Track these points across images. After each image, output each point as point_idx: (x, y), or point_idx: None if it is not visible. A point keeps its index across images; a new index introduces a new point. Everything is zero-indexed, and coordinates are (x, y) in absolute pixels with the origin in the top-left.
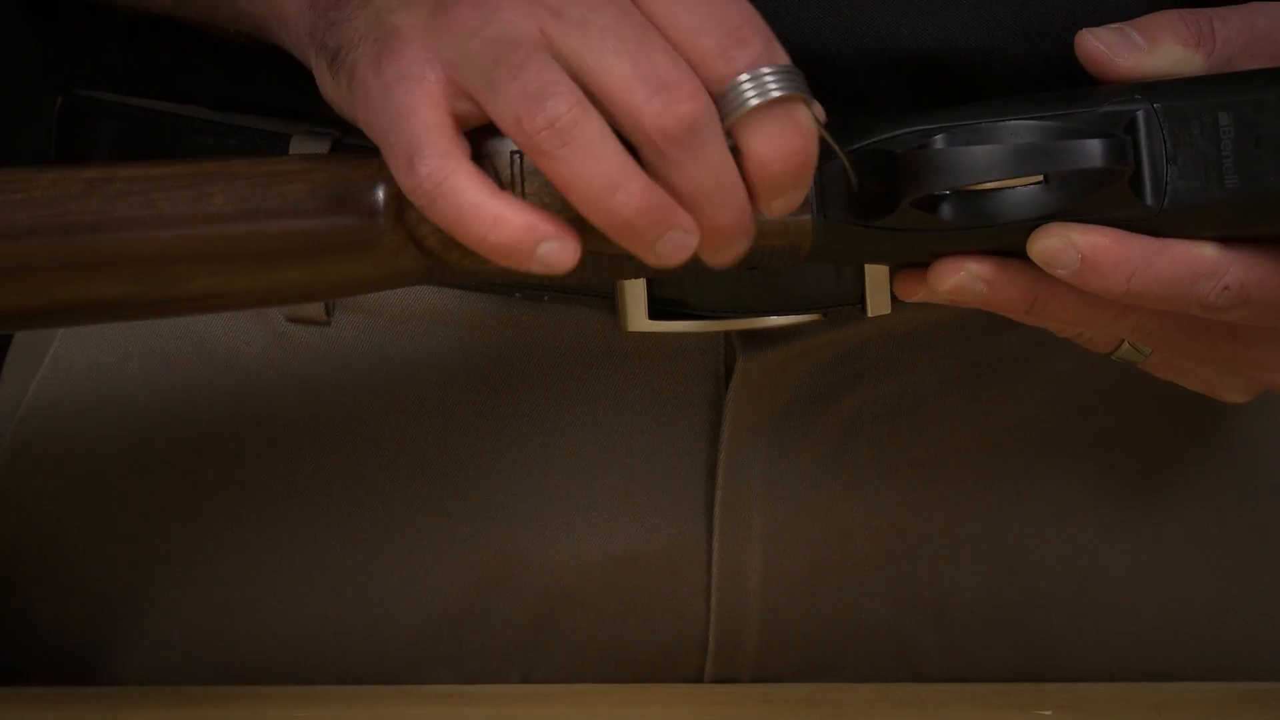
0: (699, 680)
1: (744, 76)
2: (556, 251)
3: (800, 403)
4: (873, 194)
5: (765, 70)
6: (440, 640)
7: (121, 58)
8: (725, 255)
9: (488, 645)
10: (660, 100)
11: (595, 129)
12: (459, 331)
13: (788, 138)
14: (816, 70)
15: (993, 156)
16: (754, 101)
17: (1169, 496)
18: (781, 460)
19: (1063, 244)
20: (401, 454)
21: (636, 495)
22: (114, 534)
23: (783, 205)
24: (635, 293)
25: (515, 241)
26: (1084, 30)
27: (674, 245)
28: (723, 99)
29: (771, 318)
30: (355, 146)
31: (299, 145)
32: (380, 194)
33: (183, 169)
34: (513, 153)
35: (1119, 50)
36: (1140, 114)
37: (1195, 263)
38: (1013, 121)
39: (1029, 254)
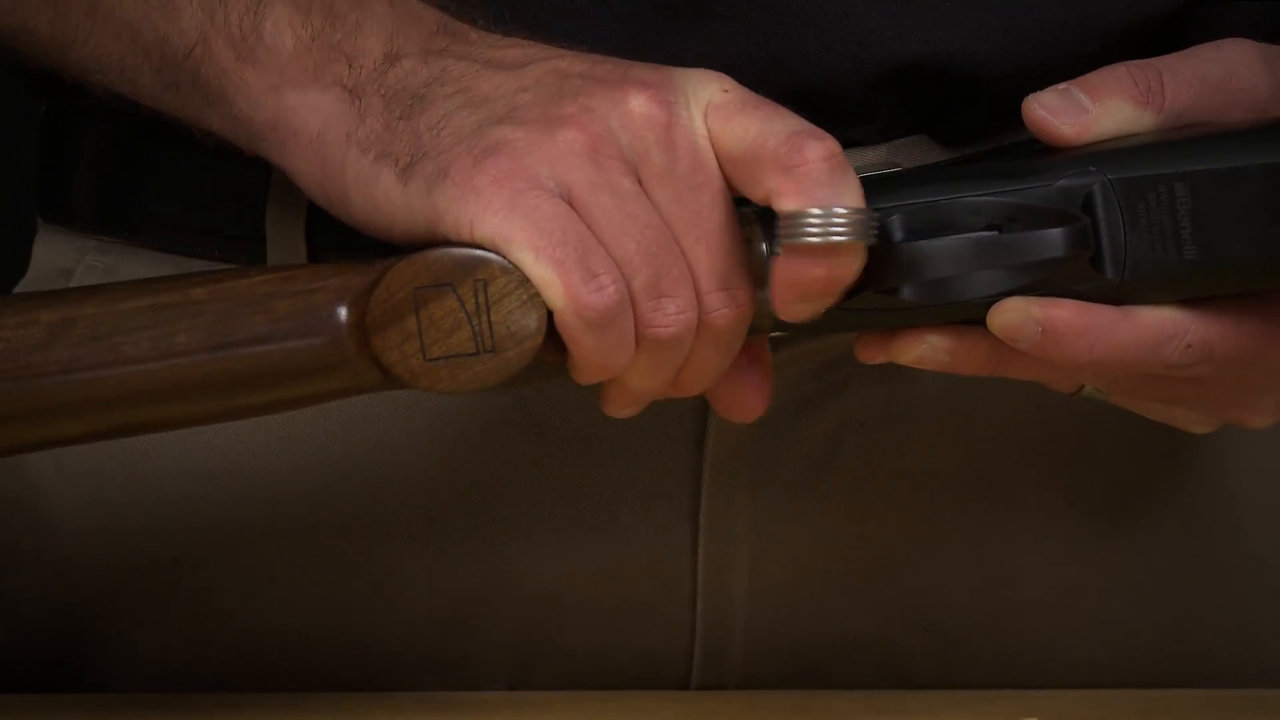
0: (685, 688)
1: (816, 211)
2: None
3: (785, 411)
4: None
5: (838, 211)
6: (428, 648)
7: None
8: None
9: (475, 653)
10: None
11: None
12: None
13: (824, 276)
14: (802, 81)
15: (954, 251)
16: (814, 240)
17: (1153, 505)
18: (766, 469)
19: (1022, 319)
20: (387, 466)
21: (622, 504)
22: (101, 540)
23: (798, 314)
24: None
25: (630, 402)
26: (1029, 97)
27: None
28: (786, 220)
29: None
30: None
31: None
32: (343, 317)
33: (143, 302)
34: (475, 280)
35: (1064, 116)
36: (1097, 188)
37: (1157, 328)
38: (970, 199)
39: (989, 328)
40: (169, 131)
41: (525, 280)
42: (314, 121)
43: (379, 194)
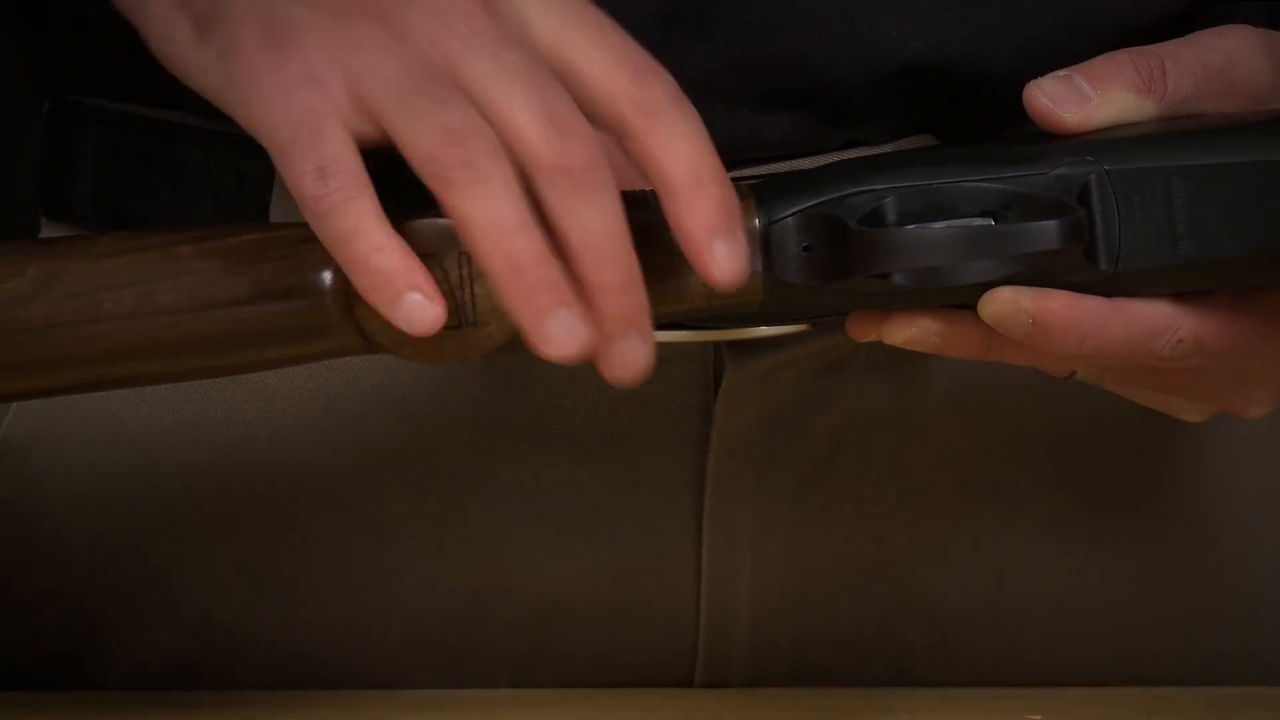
0: (689, 686)
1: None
2: (421, 307)
3: (789, 410)
4: (824, 255)
5: None
6: (431, 646)
7: (108, 65)
8: (622, 354)
9: (478, 651)
10: (561, 139)
11: (509, 175)
12: None
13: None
14: (805, 81)
15: (947, 239)
16: None
17: (1156, 504)
18: (770, 468)
19: (1013, 310)
20: (392, 463)
21: (626, 503)
22: (102, 538)
23: (717, 263)
24: None
25: (389, 276)
26: (1031, 84)
27: (563, 327)
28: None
29: (760, 328)
30: None
31: None
32: (327, 282)
33: (128, 261)
34: (460, 253)
35: (1066, 104)
36: (1093, 178)
37: (1148, 321)
38: (966, 184)
39: (980, 316)
40: (172, 131)
41: None
42: None
43: (181, 46)
